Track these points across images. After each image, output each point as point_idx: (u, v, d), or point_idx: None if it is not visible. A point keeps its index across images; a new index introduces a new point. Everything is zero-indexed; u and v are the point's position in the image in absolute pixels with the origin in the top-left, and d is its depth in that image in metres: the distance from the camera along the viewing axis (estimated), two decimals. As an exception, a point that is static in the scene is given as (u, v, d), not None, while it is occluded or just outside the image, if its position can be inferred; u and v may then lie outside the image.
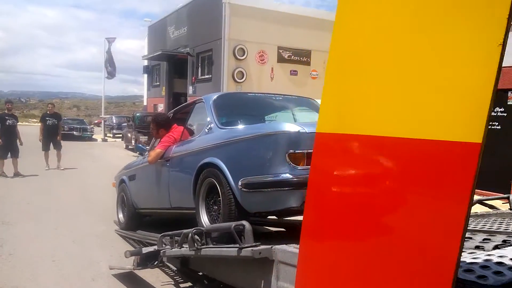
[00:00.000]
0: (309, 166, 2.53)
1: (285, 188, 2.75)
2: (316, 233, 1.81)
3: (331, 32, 1.78)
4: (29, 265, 4.37)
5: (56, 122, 11.55)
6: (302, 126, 2.75)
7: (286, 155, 2.71)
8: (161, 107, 25.65)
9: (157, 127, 4.58)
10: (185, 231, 2.84)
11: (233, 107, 4.75)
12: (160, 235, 3.25)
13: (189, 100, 21.45)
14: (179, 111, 5.21)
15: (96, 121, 43.04)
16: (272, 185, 2.80)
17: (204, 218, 3.49)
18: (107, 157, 15.44)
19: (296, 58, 19.45)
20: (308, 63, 19.74)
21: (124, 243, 5.22)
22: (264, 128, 3.11)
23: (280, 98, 4.85)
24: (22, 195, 7.82)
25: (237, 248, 2.33)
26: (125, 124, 25.67)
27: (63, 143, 11.97)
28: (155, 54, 22.28)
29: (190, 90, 21.25)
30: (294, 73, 19.52)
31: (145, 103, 30.16)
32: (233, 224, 2.29)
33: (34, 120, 39.96)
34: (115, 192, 6.00)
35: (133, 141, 17.68)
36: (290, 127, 2.76)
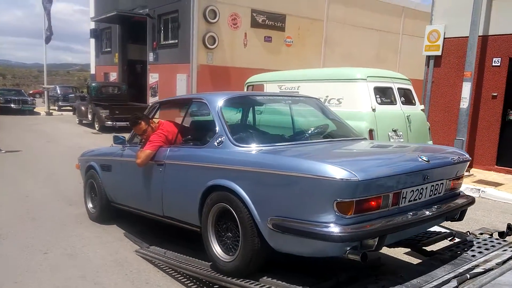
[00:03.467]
0: (358, 215, 2.41)
1: (330, 242, 2.40)
2: None
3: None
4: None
5: None
6: (354, 172, 2.36)
7: (334, 203, 2.38)
8: (114, 76, 22.99)
9: (139, 127, 4.09)
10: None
11: (243, 113, 4.64)
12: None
13: (149, 68, 19.22)
14: (165, 104, 4.84)
15: (31, 92, 38.73)
16: (316, 237, 2.44)
17: (216, 248, 3.16)
18: (63, 135, 13.09)
19: (271, 23, 17.82)
20: (282, 29, 18.20)
21: (156, 273, 3.61)
22: (308, 167, 2.53)
23: (290, 101, 4.46)
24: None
25: None
26: (72, 95, 22.84)
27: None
28: (108, 15, 19.47)
29: (150, 57, 18.92)
30: (268, 39, 17.92)
31: (92, 72, 27.07)
32: None
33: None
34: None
35: (89, 116, 15.31)
36: (341, 173, 2.36)
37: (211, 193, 3.12)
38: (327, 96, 6.61)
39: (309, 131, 3.82)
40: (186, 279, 3.43)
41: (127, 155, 4.27)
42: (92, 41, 25.39)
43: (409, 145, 3.99)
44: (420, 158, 2.76)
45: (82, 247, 4.12)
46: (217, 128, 3.32)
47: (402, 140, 6.24)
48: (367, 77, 6.26)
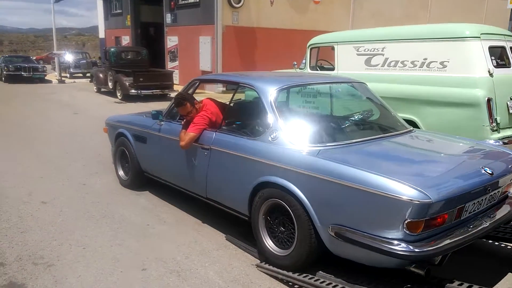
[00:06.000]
0: (424, 231, 2.42)
1: (396, 259, 2.40)
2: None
3: None
4: None
5: None
6: (427, 192, 2.32)
7: (404, 222, 2.35)
8: (126, 40, 21.65)
9: (184, 108, 3.86)
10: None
11: (294, 102, 4.62)
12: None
13: (167, 31, 17.90)
14: (205, 82, 5.32)
15: (34, 58, 37.20)
16: (383, 252, 2.40)
17: (268, 241, 3.15)
18: (87, 106, 12.09)
19: (298, -23, 16.35)
20: (310, -15, 16.76)
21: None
22: (378, 183, 2.43)
23: (340, 90, 4.55)
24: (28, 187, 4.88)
25: None
26: (84, 61, 21.62)
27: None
28: (120, -28, 17.96)
29: (168, 18, 17.57)
30: (295, -4, 16.53)
31: (101, 36, 25.61)
32: None
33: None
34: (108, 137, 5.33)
35: (110, 83, 14.23)
36: (414, 193, 2.31)
37: (264, 188, 3.08)
38: (425, 59, 5.57)
39: (360, 121, 3.88)
40: None
41: (166, 131, 4.15)
42: (100, 2, 23.82)
43: (466, 145, 3.61)
44: (484, 170, 2.74)
45: (185, 259, 3.26)
46: (270, 121, 3.20)
47: (520, 110, 5.28)
48: (481, 34, 5.20)
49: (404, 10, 19.50)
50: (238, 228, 3.72)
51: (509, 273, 3.09)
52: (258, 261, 3.20)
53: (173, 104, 4.07)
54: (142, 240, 3.57)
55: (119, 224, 3.88)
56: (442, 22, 17.89)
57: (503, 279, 3.00)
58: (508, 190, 3.16)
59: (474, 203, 2.68)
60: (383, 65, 6.07)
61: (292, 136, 3.05)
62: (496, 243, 3.46)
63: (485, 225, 2.69)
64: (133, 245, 3.46)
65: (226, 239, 3.60)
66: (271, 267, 3.06)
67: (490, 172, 2.72)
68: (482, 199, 2.76)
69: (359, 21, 17.84)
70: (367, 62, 6.27)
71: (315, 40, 7.22)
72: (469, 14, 20.74)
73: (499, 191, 2.94)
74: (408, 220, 2.32)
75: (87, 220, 3.96)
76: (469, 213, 2.68)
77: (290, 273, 2.93)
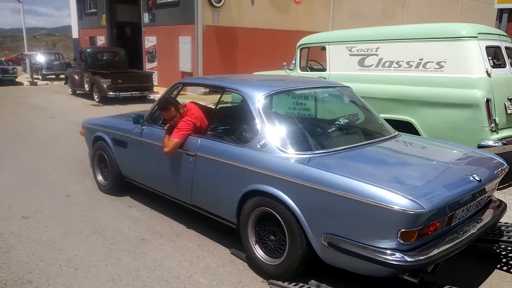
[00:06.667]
0: (417, 240, 2.41)
1: (390, 269, 2.38)
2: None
3: None
4: None
5: None
6: (421, 203, 2.31)
7: (398, 232, 2.34)
8: (101, 40, 20.99)
9: (168, 112, 3.70)
10: None
11: (281, 108, 4.51)
12: None
13: (145, 31, 17.42)
14: (189, 85, 4.97)
15: (3, 59, 35.74)
16: (377, 262, 2.37)
17: (258, 250, 3.06)
18: (63, 109, 11.55)
19: (279, -23, 16.19)
20: (291, -16, 16.63)
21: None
22: (371, 194, 2.40)
23: (326, 95, 4.55)
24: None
25: None
26: (57, 62, 20.85)
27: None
28: (94, -30, 17.34)
29: (146, 18, 17.09)
30: (276, -4, 16.36)
31: (75, 36, 24.76)
32: None
33: None
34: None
35: (86, 85, 13.69)
36: (408, 204, 2.30)
37: (253, 196, 3.00)
38: (421, 59, 5.48)
39: (347, 126, 3.86)
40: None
41: (148, 136, 4.00)
42: (73, 1, 23.03)
43: (452, 150, 3.59)
44: (472, 177, 2.76)
45: (190, 277, 3.01)
46: (258, 127, 3.12)
47: (517, 110, 5.25)
48: (478, 34, 5.14)
49: (382, 8, 19.67)
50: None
51: (496, 270, 3.12)
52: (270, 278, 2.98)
53: (156, 108, 3.92)
54: (140, 258, 3.28)
55: (112, 240, 3.58)
56: (420, 20, 18.02)
57: (490, 276, 3.04)
58: (492, 195, 3.22)
59: (464, 209, 2.71)
60: (377, 66, 5.95)
61: (281, 144, 3.00)
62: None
63: (473, 231, 2.73)
64: (131, 264, 3.18)
65: (232, 253, 3.36)
66: (285, 284, 2.85)
67: (478, 179, 2.75)
68: (471, 205, 2.79)
69: (339, 21, 17.85)
70: (361, 63, 6.14)
71: (305, 40, 7.04)
72: (445, 13, 21.10)
73: (485, 197, 2.98)
74: (402, 230, 2.33)
75: (76, 237, 3.64)
76: (459, 219, 2.72)
77: (306, 291, 2.73)
